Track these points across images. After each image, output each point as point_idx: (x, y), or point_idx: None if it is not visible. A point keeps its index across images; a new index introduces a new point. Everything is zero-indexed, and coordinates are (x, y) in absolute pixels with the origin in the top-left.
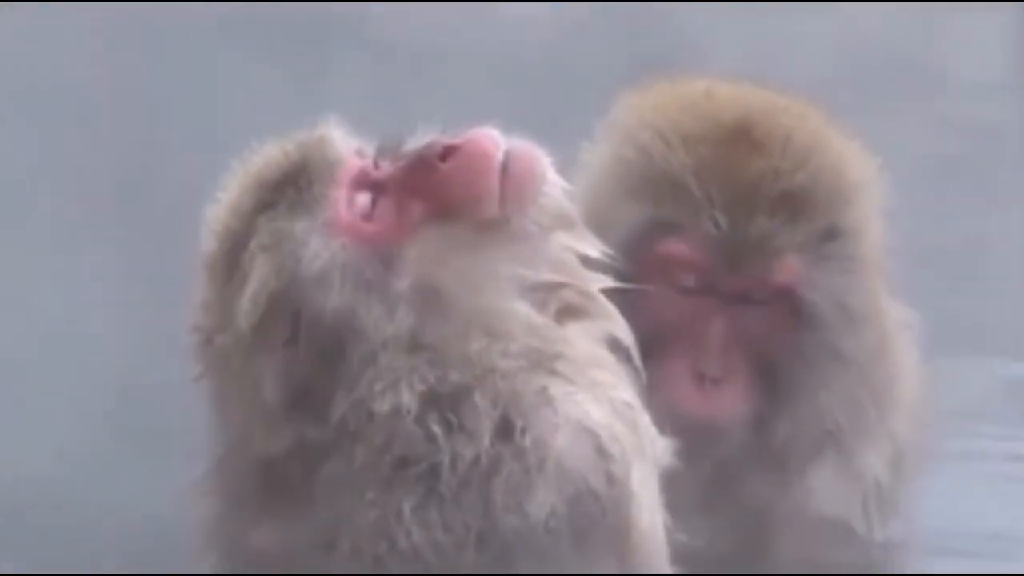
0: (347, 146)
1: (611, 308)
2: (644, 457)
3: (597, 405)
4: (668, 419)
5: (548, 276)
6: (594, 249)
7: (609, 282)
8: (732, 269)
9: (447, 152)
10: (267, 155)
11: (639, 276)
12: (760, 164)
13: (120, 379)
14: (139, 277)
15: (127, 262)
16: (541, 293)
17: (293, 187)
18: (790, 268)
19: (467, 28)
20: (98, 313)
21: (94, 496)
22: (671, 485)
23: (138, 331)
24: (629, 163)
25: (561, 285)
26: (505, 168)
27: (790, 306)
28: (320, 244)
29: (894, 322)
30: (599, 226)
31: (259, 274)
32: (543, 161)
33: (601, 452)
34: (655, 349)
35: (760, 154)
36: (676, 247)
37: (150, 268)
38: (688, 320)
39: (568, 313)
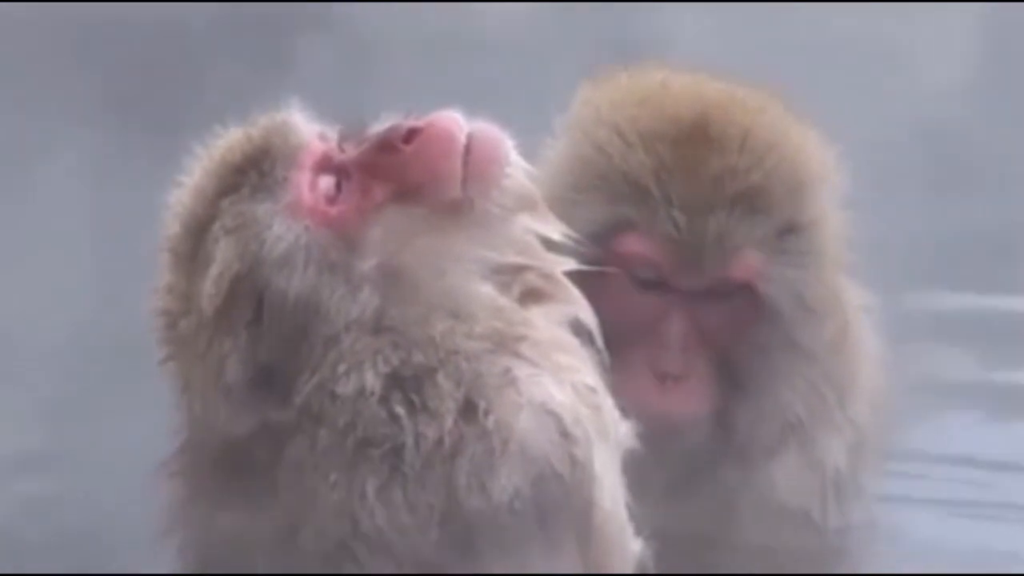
0: (310, 130)
1: (574, 291)
2: (607, 439)
3: (560, 387)
4: (630, 417)
5: (511, 258)
6: (557, 232)
7: (572, 264)
8: (691, 267)
9: (410, 134)
10: (230, 139)
11: (598, 275)
12: (718, 163)
13: None
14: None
15: None
16: (504, 275)
17: (256, 170)
18: (748, 264)
19: (436, 12)
20: None
21: None
22: (635, 471)
23: None
24: (587, 161)
25: (524, 267)
26: (468, 150)
27: (749, 301)
28: (283, 227)
29: (854, 309)
30: None
31: (222, 257)
32: (506, 143)
33: (564, 434)
34: (615, 347)
35: (718, 153)
36: (635, 245)
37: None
38: (648, 318)
39: (531, 296)
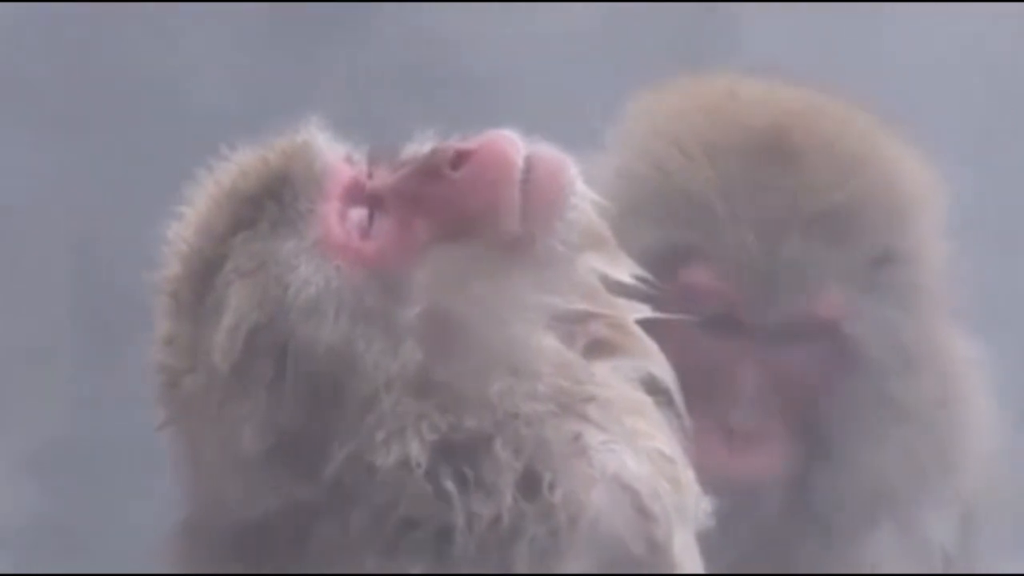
0: (334, 152)
1: (648, 343)
2: (686, 519)
3: (636, 457)
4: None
5: (577, 305)
6: (628, 273)
7: (647, 312)
8: (766, 301)
9: (458, 158)
10: (242, 164)
11: (658, 311)
12: (797, 178)
13: None
14: None
15: None
16: (569, 325)
17: (275, 201)
18: (834, 299)
19: (486, 15)
20: None
21: None
22: (705, 554)
23: None
24: (642, 179)
25: (591, 315)
26: (527, 177)
27: (835, 345)
28: (311, 268)
29: (960, 361)
30: None
31: (237, 304)
32: (571, 169)
33: (641, 512)
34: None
35: (797, 166)
36: (699, 276)
37: None
38: (714, 364)
39: (598, 348)
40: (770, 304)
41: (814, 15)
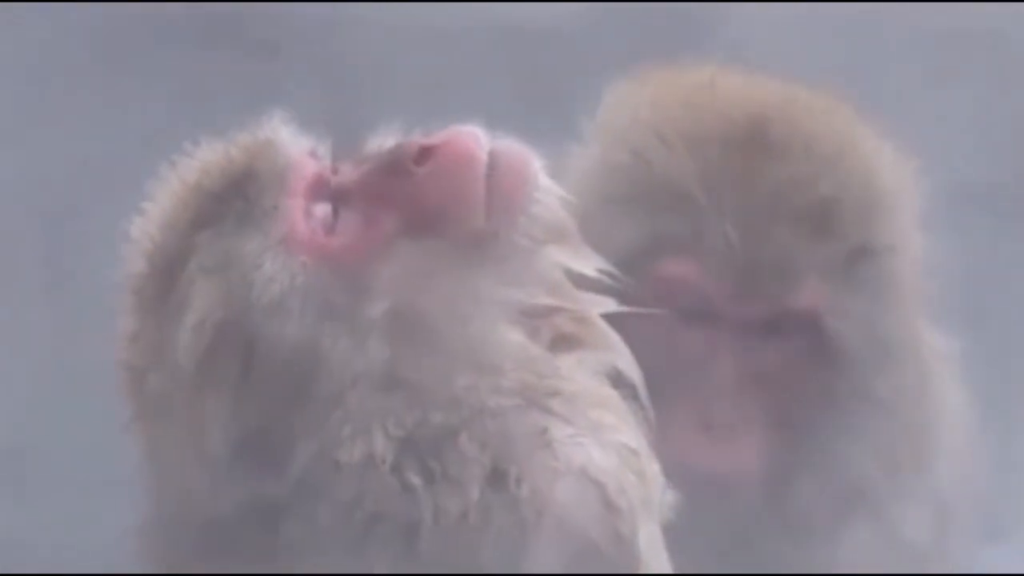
0: (299, 147)
1: (613, 336)
2: (651, 513)
3: (602, 450)
4: (671, 473)
5: (541, 299)
6: (593, 267)
7: (612, 306)
8: (745, 294)
9: (423, 153)
10: (207, 160)
11: (634, 304)
12: (778, 171)
13: None
14: None
15: None
16: (533, 319)
17: (240, 198)
18: (813, 293)
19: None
20: None
21: None
22: (676, 548)
23: None
24: (622, 169)
25: (555, 309)
26: (491, 172)
27: (813, 338)
28: (275, 264)
29: (935, 355)
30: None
31: (202, 301)
32: (534, 164)
33: (607, 505)
34: (655, 390)
35: (778, 159)
36: (679, 268)
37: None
38: (692, 356)
39: (563, 342)
40: (749, 296)
41: (795, 9)
